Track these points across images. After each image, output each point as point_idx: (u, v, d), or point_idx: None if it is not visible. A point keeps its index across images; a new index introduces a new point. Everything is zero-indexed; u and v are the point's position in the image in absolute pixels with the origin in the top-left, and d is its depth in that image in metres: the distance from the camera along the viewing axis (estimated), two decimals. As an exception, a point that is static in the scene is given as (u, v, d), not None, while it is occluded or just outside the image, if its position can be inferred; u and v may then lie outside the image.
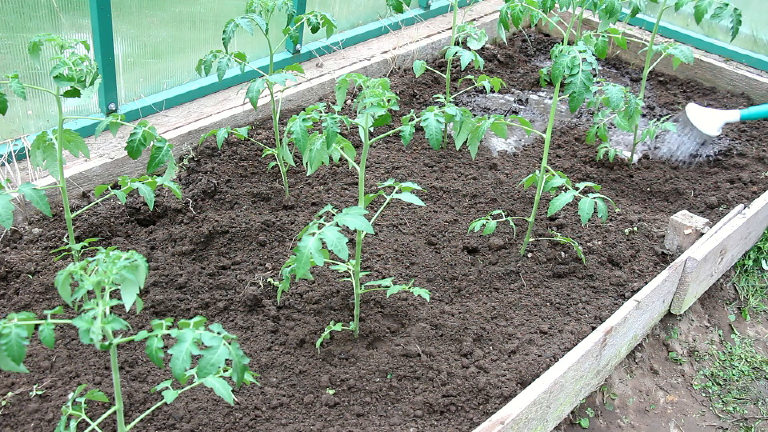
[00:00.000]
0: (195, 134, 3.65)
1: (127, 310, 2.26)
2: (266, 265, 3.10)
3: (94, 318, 1.61)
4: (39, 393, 2.50)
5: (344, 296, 2.98)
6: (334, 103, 4.02)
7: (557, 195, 2.94)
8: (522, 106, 4.43)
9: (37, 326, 1.69)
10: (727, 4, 3.42)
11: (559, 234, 3.39)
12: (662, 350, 3.29)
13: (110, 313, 1.64)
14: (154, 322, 1.72)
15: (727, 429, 3.07)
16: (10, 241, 3.06)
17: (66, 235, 3.10)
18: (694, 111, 4.01)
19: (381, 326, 2.86)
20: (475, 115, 4.10)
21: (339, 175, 3.66)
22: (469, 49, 3.61)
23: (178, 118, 3.76)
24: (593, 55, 2.76)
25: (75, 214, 2.75)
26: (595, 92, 3.67)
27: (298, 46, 4.31)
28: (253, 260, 3.12)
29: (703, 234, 3.30)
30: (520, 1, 3.22)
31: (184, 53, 3.88)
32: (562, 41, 3.13)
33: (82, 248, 2.66)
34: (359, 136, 3.80)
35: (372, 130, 3.75)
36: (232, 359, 1.74)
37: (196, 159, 3.60)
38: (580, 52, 2.69)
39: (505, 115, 4.32)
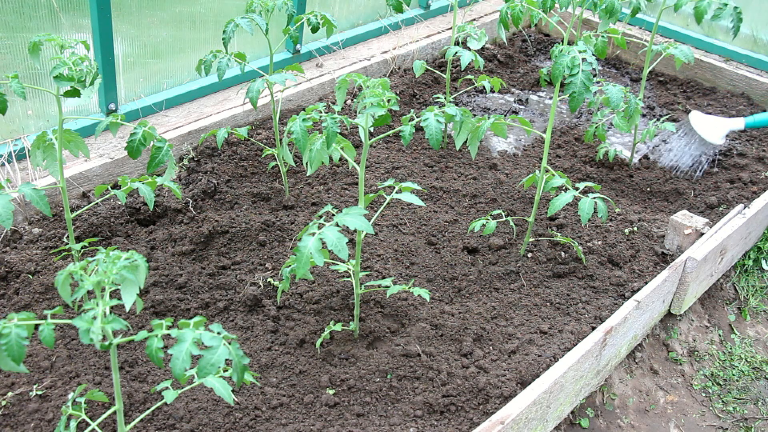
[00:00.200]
0: (195, 134, 3.65)
1: (127, 310, 2.26)
2: (266, 265, 3.10)
3: (94, 318, 1.61)
4: (39, 393, 2.50)
5: (344, 296, 2.98)
6: (334, 103, 4.02)
7: (557, 195, 2.94)
8: (522, 106, 4.43)
9: (37, 326, 1.69)
10: (726, 4, 3.42)
11: (559, 234, 3.39)
12: (662, 350, 3.29)
13: (110, 313, 1.64)
14: (154, 322, 1.72)
15: (727, 429, 3.07)
16: (10, 241, 3.06)
17: (66, 235, 3.10)
18: (698, 119, 3.95)
19: (381, 326, 2.86)
20: (475, 115, 4.10)
21: (339, 175, 3.66)
22: (469, 49, 3.61)
23: (178, 118, 3.76)
24: (593, 55, 2.76)
25: (75, 214, 2.75)
26: (595, 92, 3.67)
27: (298, 46, 4.32)
28: (253, 260, 3.12)
29: (703, 234, 3.30)
30: (520, 1, 3.22)
31: (184, 53, 3.88)
32: (562, 41, 3.14)
33: (82, 248, 2.66)
34: (359, 136, 3.80)
35: (372, 130, 3.75)
36: (232, 359, 1.74)
37: (196, 159, 3.60)
38: (580, 52, 2.69)
39: (505, 115, 4.32)
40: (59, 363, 2.61)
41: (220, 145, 3.26)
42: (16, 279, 2.89)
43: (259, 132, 3.80)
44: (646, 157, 4.05)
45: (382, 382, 2.66)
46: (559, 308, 3.05)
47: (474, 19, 5.02)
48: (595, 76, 4.63)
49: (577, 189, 2.96)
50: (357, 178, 3.63)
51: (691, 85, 4.69)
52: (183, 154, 3.61)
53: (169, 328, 1.72)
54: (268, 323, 2.85)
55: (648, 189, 3.84)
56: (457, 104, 4.34)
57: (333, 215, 2.27)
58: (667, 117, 4.21)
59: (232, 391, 1.92)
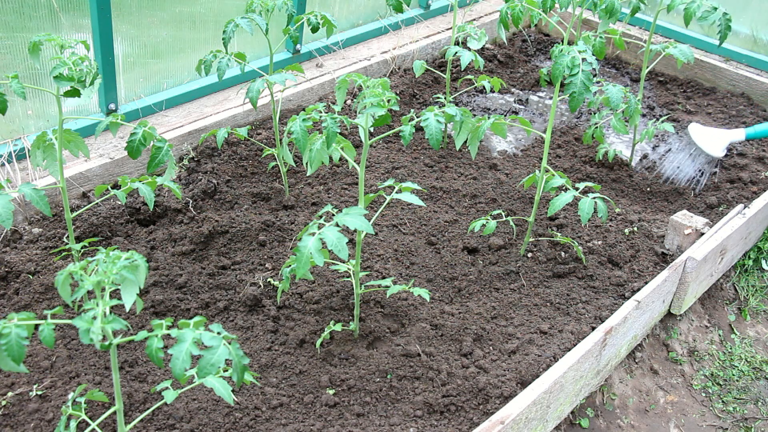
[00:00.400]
0: (195, 134, 3.65)
1: (127, 310, 2.26)
2: (266, 265, 3.10)
3: (94, 318, 1.61)
4: (39, 393, 2.50)
5: (344, 296, 2.98)
6: (334, 103, 4.02)
7: (557, 195, 2.94)
8: (522, 106, 4.43)
9: (37, 326, 1.69)
10: (715, 8, 3.42)
11: (559, 234, 3.39)
12: (662, 350, 3.29)
13: (110, 313, 1.64)
14: (154, 322, 1.72)
15: (727, 429, 3.07)
16: (10, 241, 3.06)
17: (66, 235, 3.10)
18: (698, 131, 3.88)
19: (381, 326, 2.86)
20: (475, 115, 4.10)
21: (339, 175, 3.66)
22: (469, 49, 3.61)
23: (178, 118, 3.76)
24: (593, 55, 2.76)
25: (75, 214, 2.75)
26: (595, 92, 3.67)
27: (298, 46, 4.32)
28: (253, 260, 3.13)
29: (703, 234, 3.30)
30: (520, 1, 3.22)
31: (184, 53, 3.88)
32: (562, 41, 3.14)
33: (82, 248, 2.66)
34: (359, 136, 3.80)
35: (372, 130, 3.75)
36: (232, 359, 1.74)
37: (196, 159, 3.60)
38: (580, 52, 2.70)
39: (505, 115, 4.32)
40: (59, 363, 2.61)
41: (220, 145, 3.26)
42: (16, 279, 2.90)
43: (259, 132, 3.80)
44: (645, 156, 4.05)
45: (382, 382, 2.66)
46: (559, 308, 3.05)
47: (474, 19, 5.02)
48: (595, 76, 4.63)
49: (577, 189, 2.96)
50: (357, 178, 3.63)
51: (691, 85, 4.69)
52: (183, 154, 3.61)
53: (169, 328, 1.72)
54: (268, 323, 2.85)
55: (648, 189, 3.84)
56: (457, 104, 4.34)
57: (333, 215, 2.27)
58: (666, 117, 4.21)
59: (232, 391, 1.92)
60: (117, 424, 1.99)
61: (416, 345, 2.78)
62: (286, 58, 4.29)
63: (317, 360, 2.73)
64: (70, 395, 2.27)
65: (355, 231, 2.91)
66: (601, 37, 3.38)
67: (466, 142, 2.99)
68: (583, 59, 2.68)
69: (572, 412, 2.90)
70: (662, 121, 3.82)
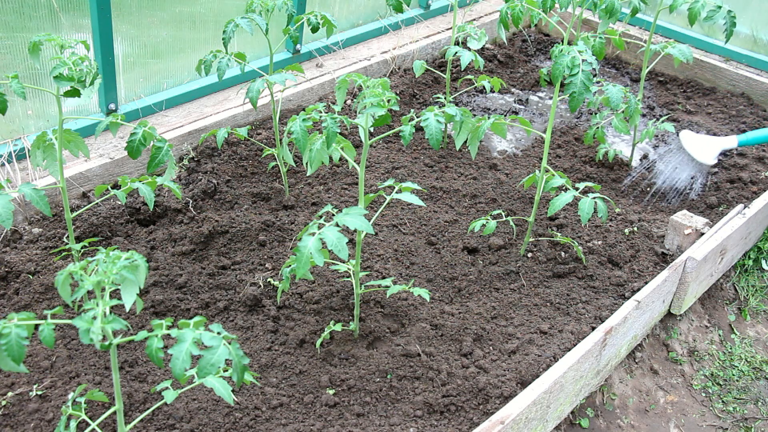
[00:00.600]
0: (195, 134, 3.65)
1: (127, 310, 2.26)
2: (266, 265, 3.10)
3: (94, 318, 1.61)
4: (39, 393, 2.50)
5: (344, 296, 2.98)
6: (334, 103, 4.02)
7: (557, 195, 2.94)
8: (522, 106, 4.43)
9: (37, 326, 1.69)
10: (720, 6, 3.42)
11: (559, 234, 3.39)
12: (662, 350, 3.29)
13: (110, 313, 1.64)
14: (154, 322, 1.72)
15: (727, 429, 3.07)
16: (10, 241, 3.06)
17: (66, 235, 3.10)
18: (689, 138, 3.81)
19: (381, 326, 2.86)
20: (475, 115, 4.10)
21: (339, 175, 3.66)
22: (469, 49, 3.61)
23: (178, 118, 3.76)
24: (593, 55, 2.76)
25: (75, 214, 2.75)
26: (595, 92, 3.67)
27: (298, 46, 4.32)
28: (253, 260, 3.13)
29: (703, 234, 3.30)
30: (520, 1, 3.22)
31: (184, 53, 3.88)
32: (562, 41, 3.14)
33: (82, 248, 2.66)
34: (359, 136, 3.80)
35: (372, 130, 3.75)
36: (232, 359, 1.74)
37: (196, 159, 3.60)
38: (580, 52, 2.70)
39: (505, 115, 4.32)
40: (59, 363, 2.61)
41: (220, 145, 3.26)
42: (16, 279, 2.89)
43: (259, 132, 3.80)
44: (645, 157, 4.05)
45: (382, 382, 2.66)
46: (559, 308, 3.05)
47: (474, 19, 5.02)
48: (595, 76, 4.63)
49: (577, 189, 2.96)
50: (357, 178, 3.63)
51: (691, 85, 4.69)
52: (183, 154, 3.61)
53: (169, 328, 1.72)
54: (268, 323, 2.85)
55: (648, 189, 3.84)
56: (457, 104, 4.34)
57: (333, 215, 2.27)
58: (666, 117, 4.21)
59: (232, 391, 1.92)
60: (117, 424, 1.99)
61: (416, 345, 2.78)
62: (286, 58, 4.29)
63: (317, 360, 2.73)
64: (70, 395, 2.27)
65: (355, 231, 2.91)
66: (600, 37, 3.38)
67: (466, 142, 2.99)
68: (583, 59, 2.68)
69: (572, 412, 2.90)
70: (662, 121, 3.82)
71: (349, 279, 3.02)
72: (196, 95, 3.93)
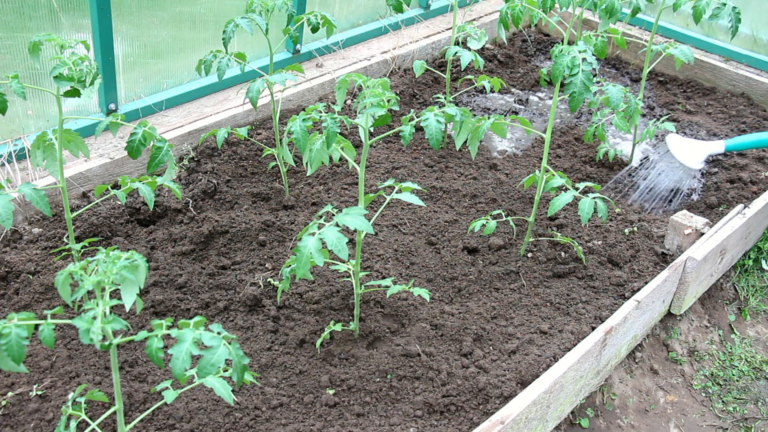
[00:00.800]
0: (195, 134, 3.65)
1: (127, 310, 2.26)
2: (266, 265, 3.10)
3: (94, 318, 1.61)
4: (39, 393, 2.50)
5: (344, 296, 2.98)
6: (334, 103, 4.02)
7: (557, 195, 2.94)
8: (522, 106, 4.43)
9: (37, 326, 1.69)
10: (725, 4, 3.42)
11: (559, 234, 3.39)
12: (662, 350, 3.29)
13: (110, 313, 1.64)
14: (154, 322, 1.72)
15: (727, 429, 3.07)
16: (10, 241, 3.06)
17: (66, 235, 3.10)
18: (675, 142, 3.76)
19: (381, 326, 2.86)
20: (475, 115, 4.10)
21: (339, 175, 3.66)
22: (469, 49, 3.61)
23: (178, 118, 3.76)
24: (593, 55, 2.76)
25: (75, 214, 2.75)
26: (595, 92, 3.67)
27: (298, 46, 4.32)
28: (253, 260, 3.12)
29: (703, 234, 3.30)
30: (520, 1, 3.22)
31: (184, 53, 3.88)
32: (562, 41, 3.13)
33: (82, 248, 2.66)
34: (359, 136, 3.80)
35: (372, 130, 3.75)
36: (232, 359, 1.74)
37: (196, 159, 3.60)
38: (580, 52, 2.69)
39: (505, 115, 4.31)
40: (59, 363, 2.61)
41: (220, 145, 3.26)
42: (16, 279, 2.90)
43: (259, 132, 3.80)
44: (646, 158, 4.05)
45: (382, 382, 2.66)
46: (559, 308, 3.05)
47: (474, 19, 5.02)
48: (595, 76, 4.63)
49: (577, 189, 2.96)
50: (357, 178, 3.63)
51: (691, 85, 4.69)
52: (183, 154, 3.61)
53: (169, 328, 1.72)
54: (268, 323, 2.85)
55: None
56: (457, 104, 4.34)
57: (333, 215, 2.27)
58: (667, 117, 4.21)
59: (232, 391, 1.92)
60: (117, 424, 1.99)
61: (416, 345, 2.78)
62: (286, 58, 4.29)
63: (317, 360, 2.73)
64: (70, 395, 2.27)
65: (355, 231, 2.91)
66: (602, 36, 3.38)
67: (466, 142, 2.99)
68: (583, 59, 2.68)
69: (572, 412, 2.90)
70: (663, 121, 3.82)
71: (349, 279, 3.02)
72: (196, 95, 3.93)
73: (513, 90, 4.57)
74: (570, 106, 2.70)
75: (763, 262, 3.73)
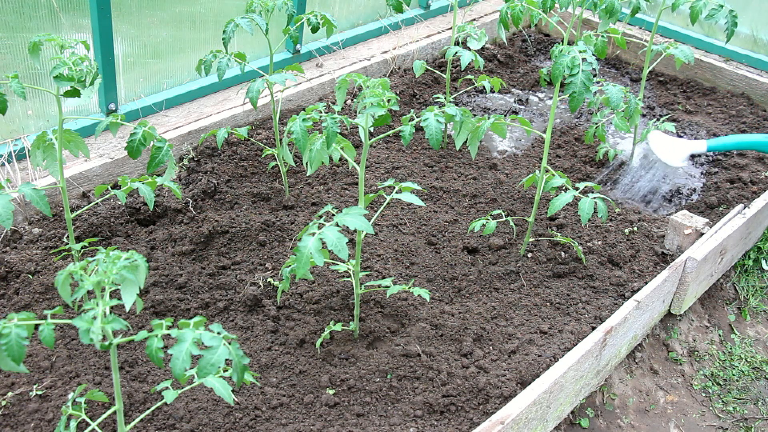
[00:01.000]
0: (195, 134, 3.65)
1: (127, 310, 2.26)
2: (266, 265, 3.10)
3: (94, 318, 1.61)
4: (39, 393, 2.50)
5: (344, 296, 2.98)
6: (334, 103, 4.02)
7: (557, 195, 2.94)
8: (522, 106, 4.43)
9: (37, 326, 1.69)
10: (722, 6, 3.42)
11: (559, 234, 3.39)
12: (662, 350, 3.29)
13: (110, 313, 1.64)
14: (154, 322, 1.72)
15: (727, 429, 3.07)
16: (10, 241, 3.06)
17: (66, 235, 3.10)
18: (658, 139, 3.76)
19: (381, 326, 2.86)
20: (475, 115, 4.10)
21: (339, 175, 3.66)
22: (469, 49, 3.61)
23: (178, 118, 3.76)
24: (593, 55, 2.76)
25: (75, 214, 2.75)
26: (595, 92, 3.67)
27: (298, 46, 4.32)
28: (253, 260, 3.12)
29: (703, 234, 3.30)
30: (520, 1, 3.22)
31: (184, 53, 3.88)
32: (562, 41, 3.14)
33: (82, 248, 2.66)
34: (359, 136, 3.80)
35: (372, 130, 3.75)
36: (232, 359, 1.74)
37: (196, 159, 3.60)
38: (580, 52, 2.69)
39: (505, 115, 4.32)
40: (59, 363, 2.61)
41: (220, 145, 3.26)
42: (16, 279, 2.90)
43: (259, 132, 3.80)
44: (645, 156, 4.05)
45: (382, 382, 2.66)
46: (559, 308, 3.05)
47: (474, 19, 5.02)
48: (595, 76, 4.63)
49: (577, 189, 2.96)
50: (357, 178, 3.63)
51: (691, 85, 4.69)
52: (183, 154, 3.61)
53: (169, 328, 1.72)
54: (268, 323, 2.85)
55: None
56: (457, 104, 4.34)
57: (333, 215, 2.27)
58: (666, 117, 4.21)
59: (232, 391, 1.92)
60: (117, 424, 1.99)
61: (416, 345, 2.78)
62: (286, 58, 4.29)
63: (317, 360, 2.73)
64: (70, 395, 2.27)
65: (355, 231, 2.91)
66: (602, 36, 3.38)
67: (466, 142, 2.99)
68: (583, 59, 2.68)
69: (572, 412, 2.90)
70: (663, 121, 3.82)
71: (349, 279, 3.02)
72: (196, 95, 3.93)
73: (513, 90, 4.57)
74: (570, 106, 2.70)
75: (763, 262, 3.73)
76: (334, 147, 2.59)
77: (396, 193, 2.50)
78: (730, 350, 3.39)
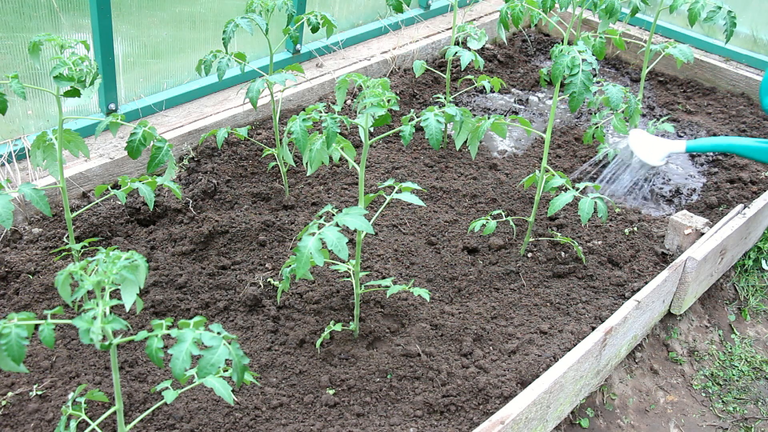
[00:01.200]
0: (195, 134, 3.65)
1: (127, 310, 2.26)
2: (266, 265, 3.10)
3: (94, 318, 1.61)
4: (39, 393, 2.50)
5: (344, 296, 2.98)
6: (334, 103, 4.02)
7: (557, 195, 2.94)
8: (522, 106, 4.43)
9: (37, 326, 1.69)
10: (720, 7, 3.42)
11: (559, 234, 3.39)
12: (662, 350, 3.29)
13: (110, 313, 1.64)
14: (154, 322, 1.72)
15: (727, 429, 3.07)
16: (10, 241, 3.06)
17: (66, 235, 3.10)
18: (637, 138, 3.72)
19: (381, 326, 2.86)
20: (475, 115, 4.10)
21: (339, 175, 3.66)
22: (469, 49, 3.61)
23: (178, 118, 3.76)
24: (593, 55, 2.76)
25: (75, 214, 2.75)
26: (595, 92, 3.67)
27: (298, 46, 4.32)
28: (253, 260, 3.13)
29: (703, 234, 3.30)
30: (520, 1, 3.22)
31: (184, 53, 3.88)
32: (562, 41, 3.14)
33: (82, 248, 2.66)
34: (359, 136, 3.80)
35: (372, 130, 3.75)
36: (232, 359, 1.74)
37: (196, 159, 3.60)
38: (580, 52, 2.69)
39: (505, 115, 4.32)
40: (59, 363, 2.61)
41: (220, 145, 3.26)
42: (16, 279, 2.90)
43: (259, 132, 3.80)
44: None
45: (382, 382, 2.66)
46: (559, 308, 3.05)
47: (474, 19, 5.02)
48: (595, 76, 4.63)
49: (577, 189, 2.96)
50: (357, 178, 3.63)
51: (691, 85, 4.69)
52: (183, 154, 3.61)
53: (169, 328, 1.72)
54: (268, 323, 2.85)
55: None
56: (457, 104, 4.34)
57: (333, 215, 2.27)
58: (666, 117, 4.21)
59: (232, 391, 1.92)
60: (117, 424, 1.99)
61: (416, 345, 2.78)
62: (286, 58, 4.29)
63: (317, 360, 2.73)
64: (70, 395, 2.27)
65: (355, 231, 2.91)
66: (601, 37, 3.38)
67: (466, 142, 2.99)
68: (583, 59, 2.68)
69: (572, 412, 2.90)
70: (662, 121, 3.82)
71: (349, 279, 3.02)
72: (196, 95, 3.93)
73: (513, 90, 4.57)
74: (570, 106, 2.70)
75: (763, 262, 3.73)
76: (334, 147, 2.59)
77: (396, 193, 2.50)
78: (730, 350, 3.39)
